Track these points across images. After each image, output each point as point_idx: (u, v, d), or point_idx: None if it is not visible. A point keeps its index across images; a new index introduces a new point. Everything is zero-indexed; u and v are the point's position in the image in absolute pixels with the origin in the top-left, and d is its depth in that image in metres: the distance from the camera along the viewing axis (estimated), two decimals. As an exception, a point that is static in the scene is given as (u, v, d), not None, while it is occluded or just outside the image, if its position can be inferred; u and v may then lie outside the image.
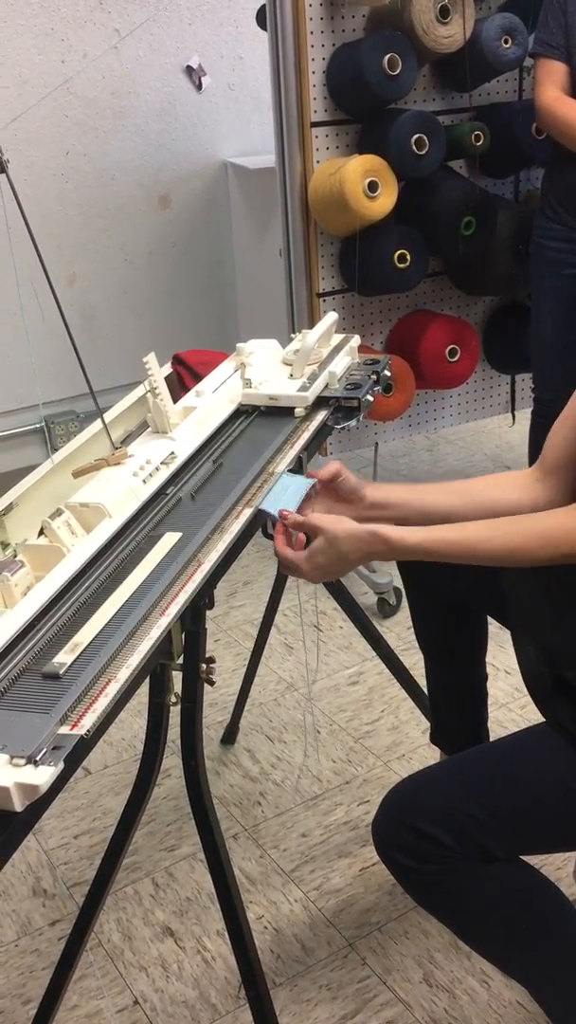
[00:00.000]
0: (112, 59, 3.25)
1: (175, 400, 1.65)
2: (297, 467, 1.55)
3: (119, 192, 3.40)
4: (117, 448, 1.50)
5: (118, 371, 2.67)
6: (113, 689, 1.05)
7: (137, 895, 1.85)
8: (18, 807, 0.92)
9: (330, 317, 1.84)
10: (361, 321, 2.71)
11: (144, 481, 1.42)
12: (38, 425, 3.44)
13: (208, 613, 1.30)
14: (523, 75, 2.66)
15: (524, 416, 2.92)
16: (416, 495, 1.44)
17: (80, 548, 1.27)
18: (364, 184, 2.34)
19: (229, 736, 2.21)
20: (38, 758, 0.94)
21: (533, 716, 2.16)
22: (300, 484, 1.45)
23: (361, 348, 1.93)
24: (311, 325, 2.49)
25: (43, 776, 0.92)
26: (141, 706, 1.41)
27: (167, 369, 1.86)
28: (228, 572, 1.35)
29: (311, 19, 2.36)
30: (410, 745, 2.16)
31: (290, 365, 1.78)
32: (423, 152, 2.40)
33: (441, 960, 1.67)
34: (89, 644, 1.11)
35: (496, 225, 2.59)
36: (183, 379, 1.86)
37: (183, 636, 1.27)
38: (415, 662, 2.00)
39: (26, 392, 3.34)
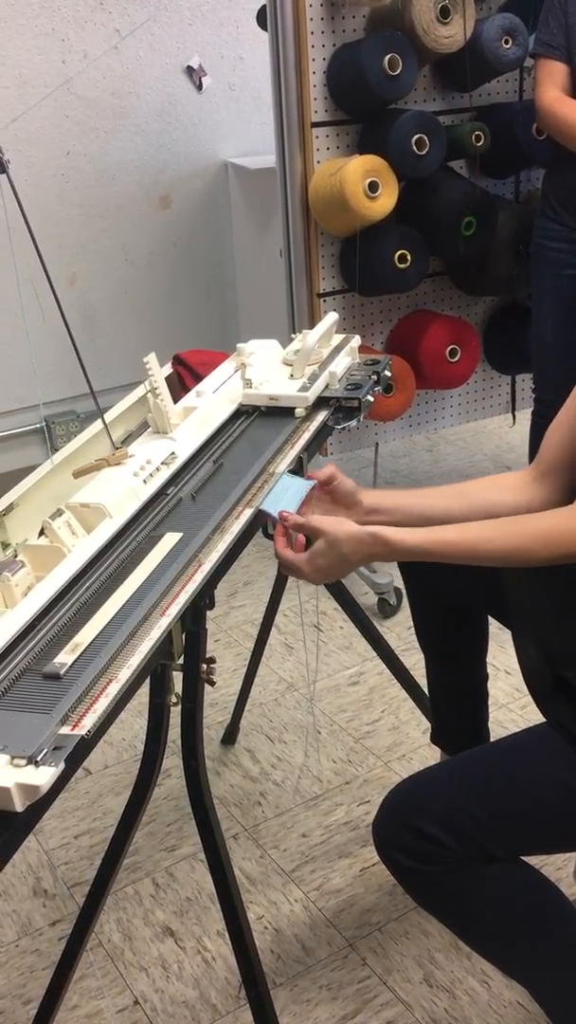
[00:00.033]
0: (112, 59, 3.25)
1: (175, 400, 1.65)
2: (298, 467, 1.55)
3: (120, 192, 3.40)
4: (117, 448, 1.50)
5: (118, 371, 2.67)
6: (114, 689, 1.05)
7: (137, 895, 1.85)
8: (19, 807, 0.92)
9: (330, 317, 1.84)
10: (361, 321, 2.71)
11: (144, 481, 1.42)
12: (38, 425, 3.44)
13: (208, 613, 1.30)
14: (523, 75, 2.66)
15: (524, 416, 2.92)
16: (412, 499, 1.44)
17: (81, 548, 1.27)
18: (364, 184, 2.34)
19: (229, 736, 2.21)
20: (39, 758, 0.94)
21: (533, 716, 2.16)
22: (300, 486, 1.45)
23: (361, 348, 1.93)
24: (311, 325, 2.49)
25: (44, 776, 0.92)
26: (142, 706, 1.41)
27: (167, 369, 1.86)
28: (228, 572, 1.35)
29: (311, 19, 2.36)
30: (410, 745, 2.16)
31: (290, 365, 1.78)
32: (423, 152, 2.40)
33: (441, 960, 1.68)
34: (90, 644, 1.11)
35: (496, 225, 2.59)
36: (183, 379, 1.86)
37: (184, 636, 1.27)
38: (415, 662, 2.00)
39: (26, 392, 3.34)
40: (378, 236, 2.46)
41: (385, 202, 2.39)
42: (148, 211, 3.48)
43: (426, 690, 1.83)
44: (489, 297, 2.88)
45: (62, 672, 1.07)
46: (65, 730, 0.99)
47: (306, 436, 1.62)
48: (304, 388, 1.69)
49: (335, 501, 1.46)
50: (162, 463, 1.48)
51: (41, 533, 1.32)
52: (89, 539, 1.29)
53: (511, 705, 2.24)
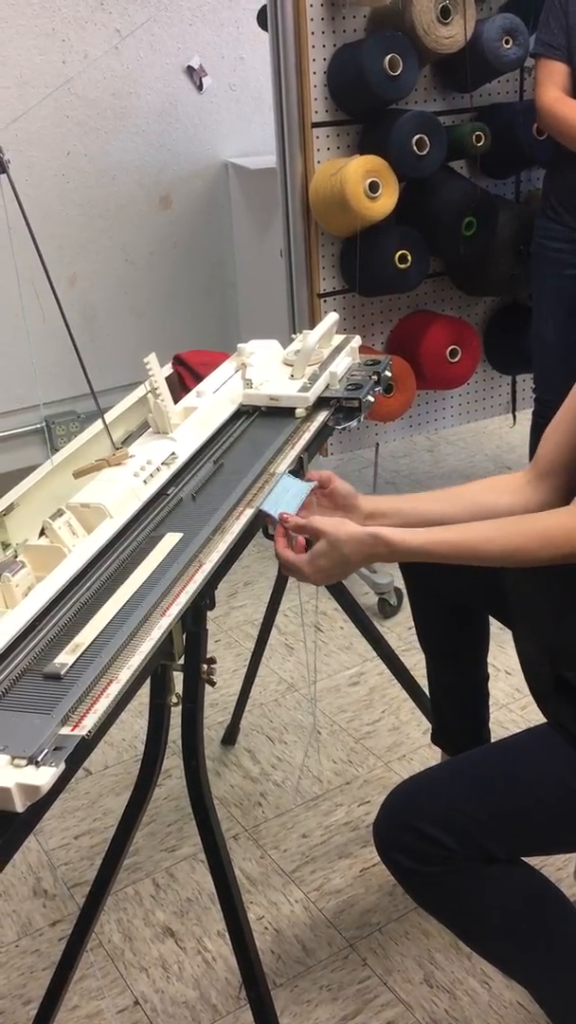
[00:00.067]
0: (113, 59, 3.25)
1: (176, 400, 1.65)
2: (298, 467, 1.55)
3: (120, 192, 3.40)
4: (118, 448, 1.50)
5: (119, 371, 2.67)
6: (114, 690, 1.05)
7: (138, 895, 1.85)
8: (19, 808, 0.92)
9: (331, 317, 1.84)
10: (362, 322, 2.71)
11: (145, 482, 1.42)
12: (39, 425, 3.44)
13: (209, 614, 1.30)
14: (524, 75, 2.66)
15: (525, 417, 2.92)
16: (409, 504, 1.44)
17: (81, 548, 1.27)
18: (365, 184, 2.34)
19: (230, 737, 2.21)
20: (39, 759, 0.94)
21: (534, 717, 2.16)
22: (300, 488, 1.45)
23: (362, 349, 1.93)
24: (312, 325, 2.49)
25: (44, 777, 0.92)
26: (142, 707, 1.41)
27: (168, 369, 1.86)
28: (229, 573, 1.35)
29: (312, 19, 2.36)
30: (411, 746, 2.16)
31: (291, 366, 1.78)
32: (424, 152, 2.40)
33: (442, 961, 1.67)
34: (90, 645, 1.11)
35: (497, 226, 2.59)
36: (184, 379, 1.86)
37: (184, 637, 1.27)
38: (416, 663, 2.00)
39: (27, 392, 3.34)
40: (378, 236, 2.46)
41: (385, 202, 2.39)
42: (148, 211, 3.48)
43: (427, 690, 1.82)
44: (490, 297, 2.88)
45: (63, 672, 1.07)
46: (66, 730, 0.99)
47: (306, 436, 1.62)
48: (304, 388, 1.69)
49: (334, 506, 1.46)
50: (162, 463, 1.48)
51: (41, 533, 1.32)
52: (89, 539, 1.29)
53: (511, 705, 2.24)
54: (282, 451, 1.57)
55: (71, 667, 1.08)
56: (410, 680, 1.98)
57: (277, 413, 1.69)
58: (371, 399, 1.74)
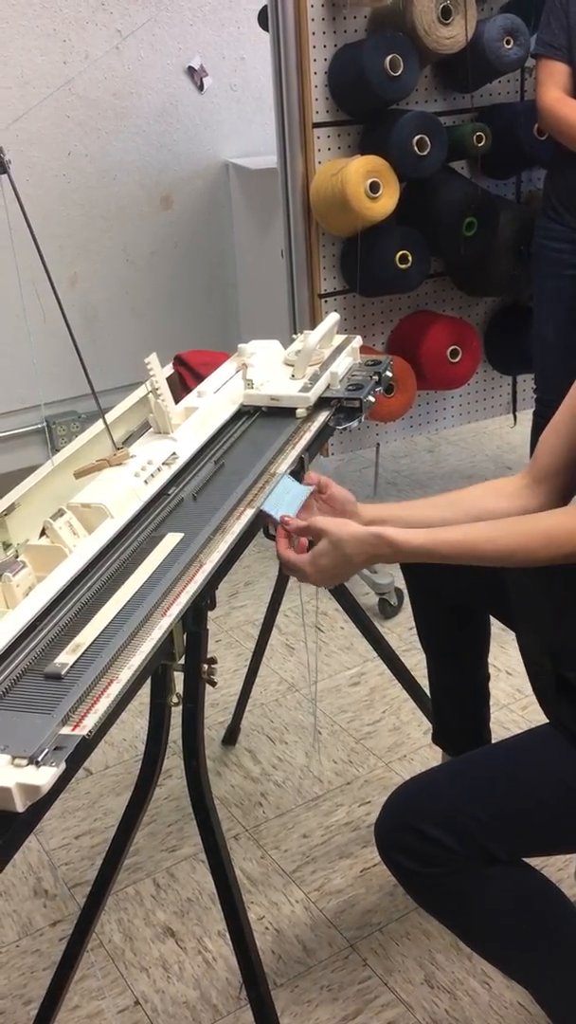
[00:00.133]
0: (114, 60, 3.25)
1: (177, 401, 1.65)
2: (299, 468, 1.55)
3: (121, 193, 3.40)
4: (119, 449, 1.50)
5: (119, 372, 2.67)
6: (115, 690, 1.05)
7: (138, 896, 1.85)
8: (20, 808, 0.92)
9: (332, 318, 1.84)
10: (362, 322, 2.71)
11: (146, 482, 1.42)
12: (39, 425, 3.44)
13: (209, 614, 1.30)
14: (525, 76, 2.66)
15: (526, 417, 2.92)
16: (408, 511, 1.44)
17: (82, 548, 1.27)
18: (366, 185, 2.34)
19: (230, 737, 2.21)
20: (40, 759, 0.94)
21: (534, 717, 2.16)
22: (300, 490, 1.45)
23: (362, 349, 1.93)
24: (312, 326, 2.49)
25: (45, 777, 0.92)
26: (142, 707, 1.41)
27: (168, 370, 1.86)
28: (229, 573, 1.35)
29: (313, 20, 2.36)
30: (412, 746, 2.16)
31: (292, 366, 1.78)
32: (425, 153, 2.40)
33: (442, 961, 1.67)
34: (91, 644, 1.11)
35: (498, 226, 2.59)
36: (185, 380, 1.86)
37: (185, 637, 1.27)
38: (416, 663, 2.00)
39: (28, 392, 3.34)
40: (379, 237, 2.46)
41: (386, 203, 2.39)
42: (149, 211, 3.48)
43: (427, 691, 1.82)
44: (490, 298, 2.88)
45: (63, 672, 1.07)
46: (66, 730, 0.99)
47: (307, 437, 1.62)
48: (305, 389, 1.69)
49: (333, 512, 1.46)
50: (163, 463, 1.48)
51: (42, 533, 1.32)
52: (90, 539, 1.30)
53: (512, 706, 2.24)
54: (283, 451, 1.57)
55: (72, 667, 1.08)
56: (411, 680, 1.98)
57: (278, 413, 1.69)
58: (372, 399, 1.74)
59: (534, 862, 1.30)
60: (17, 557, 1.28)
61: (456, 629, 1.68)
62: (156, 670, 1.31)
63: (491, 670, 1.75)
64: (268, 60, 2.45)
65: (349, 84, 2.39)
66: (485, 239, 2.58)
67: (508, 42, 2.45)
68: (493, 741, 1.74)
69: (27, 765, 0.93)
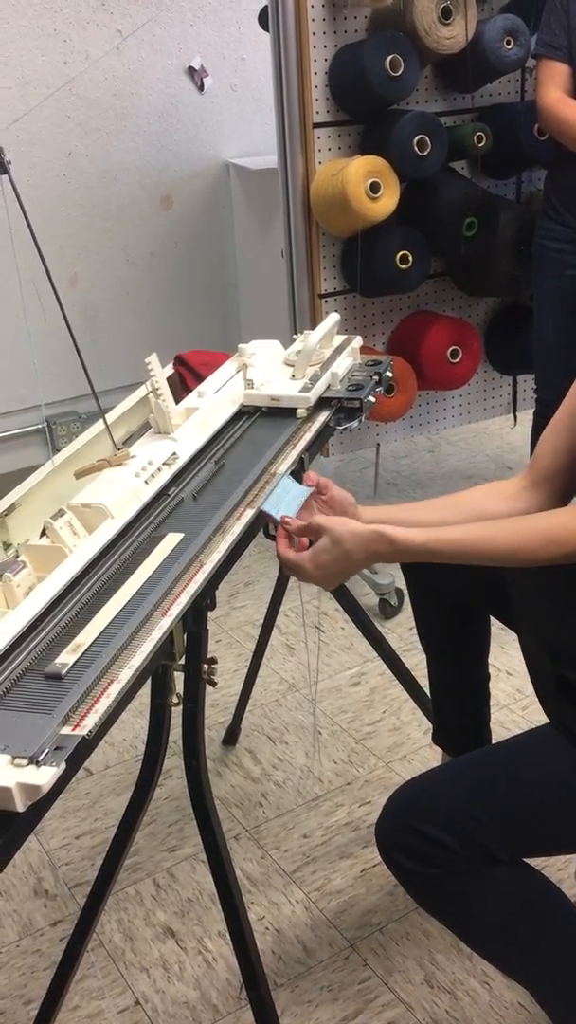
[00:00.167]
0: (114, 60, 3.25)
1: (177, 401, 1.65)
2: (299, 468, 1.55)
3: (121, 193, 3.40)
4: (119, 449, 1.50)
5: (120, 372, 2.67)
6: (115, 690, 1.05)
7: (138, 896, 1.85)
8: (20, 807, 0.92)
9: (332, 318, 1.84)
10: (363, 322, 2.71)
11: (146, 482, 1.42)
12: (40, 426, 3.44)
13: (210, 614, 1.30)
14: (525, 76, 2.66)
15: (526, 417, 2.92)
16: (408, 513, 1.44)
17: (82, 549, 1.27)
18: (366, 185, 2.34)
19: (231, 737, 2.21)
20: (40, 758, 0.94)
21: (535, 717, 2.16)
22: (300, 490, 1.45)
23: (363, 349, 1.93)
24: (313, 326, 2.49)
25: (45, 776, 0.92)
26: (143, 707, 1.41)
27: (169, 370, 1.86)
28: (230, 573, 1.35)
29: (313, 20, 2.36)
30: (412, 746, 2.16)
31: (292, 366, 1.78)
32: (425, 153, 2.40)
33: (443, 961, 1.67)
34: (91, 645, 1.11)
35: (498, 226, 2.59)
36: (185, 380, 1.86)
37: (185, 637, 1.27)
38: (417, 663, 2.00)
39: (28, 393, 3.34)
40: (379, 237, 2.46)
41: (387, 203, 2.39)
42: (150, 212, 3.48)
43: (427, 691, 1.82)
44: (490, 298, 2.88)
45: (63, 672, 1.07)
46: (66, 730, 0.99)
47: (307, 437, 1.62)
48: (305, 389, 1.69)
49: (335, 513, 1.45)
50: (163, 463, 1.48)
51: (43, 533, 1.32)
52: (90, 539, 1.30)
53: (512, 706, 2.24)
54: (283, 451, 1.57)
55: (72, 667, 1.08)
56: (411, 680, 1.98)
57: (278, 413, 1.69)
58: (372, 399, 1.74)
59: (534, 862, 1.30)
60: (17, 557, 1.28)
61: (456, 629, 1.68)
62: (156, 670, 1.31)
63: (491, 670, 1.75)
64: (268, 60, 2.45)
65: (349, 84, 2.39)
66: (485, 239, 2.58)
67: (508, 42, 2.45)
68: (493, 741, 1.74)
69: (27, 765, 0.93)
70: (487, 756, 1.35)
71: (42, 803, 0.93)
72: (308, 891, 1.83)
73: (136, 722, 2.27)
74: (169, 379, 1.75)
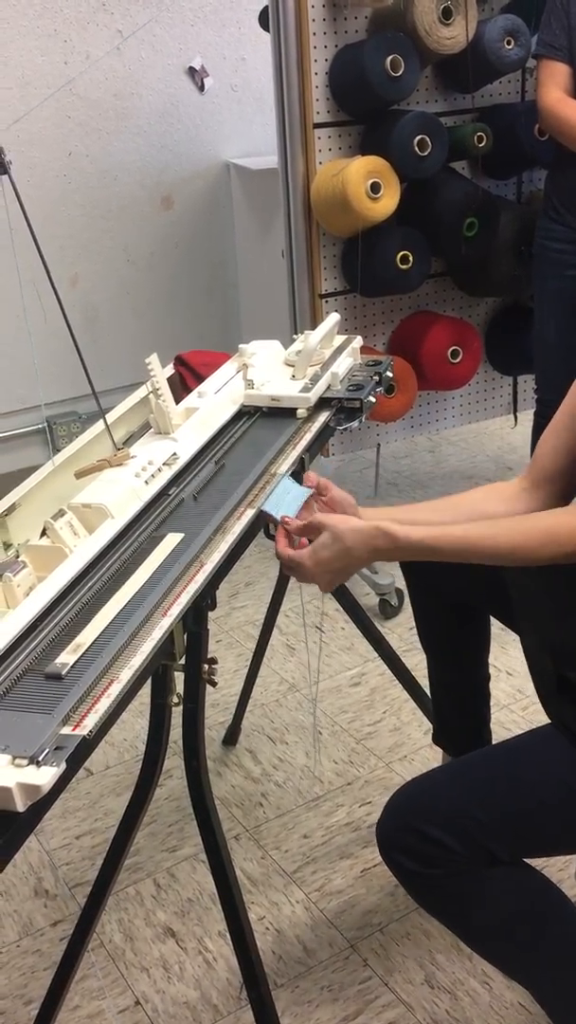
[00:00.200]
0: (115, 60, 3.25)
1: (177, 401, 1.65)
2: (300, 468, 1.55)
3: (122, 193, 3.41)
4: (119, 449, 1.50)
5: (120, 372, 2.67)
6: (115, 690, 1.05)
7: (139, 896, 1.85)
8: (20, 807, 0.92)
9: (332, 318, 1.84)
10: (363, 322, 2.71)
11: (146, 482, 1.42)
12: (40, 426, 3.44)
13: (210, 614, 1.30)
14: (526, 76, 2.66)
15: (526, 417, 2.92)
16: (408, 515, 1.44)
17: (82, 549, 1.27)
18: (366, 185, 2.34)
19: (231, 737, 2.21)
20: (40, 758, 0.94)
21: (535, 718, 2.16)
22: (300, 491, 1.45)
23: (363, 349, 1.93)
24: (313, 326, 2.49)
25: (45, 776, 0.92)
26: (143, 707, 1.41)
27: (169, 370, 1.86)
28: (230, 573, 1.35)
29: (314, 20, 2.36)
30: (412, 746, 2.16)
31: (292, 366, 1.78)
32: (425, 153, 2.40)
33: (443, 961, 1.67)
34: (91, 644, 1.11)
35: (498, 226, 2.59)
36: (185, 380, 1.86)
37: (185, 637, 1.27)
38: (417, 663, 2.00)
39: (28, 393, 3.34)
40: (380, 237, 2.46)
41: (387, 203, 2.39)
42: (150, 212, 3.48)
43: (427, 691, 1.82)
44: (491, 298, 2.88)
45: (64, 672, 1.07)
46: (67, 730, 0.99)
47: (308, 437, 1.62)
48: (306, 389, 1.69)
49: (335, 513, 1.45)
50: (164, 464, 1.48)
51: (43, 533, 1.32)
52: (91, 539, 1.30)
53: (512, 706, 2.24)
54: (283, 452, 1.57)
55: (72, 667, 1.08)
56: (411, 680, 1.98)
57: (278, 414, 1.69)
58: (372, 400, 1.74)
59: (534, 863, 1.30)
60: (18, 557, 1.28)
61: (456, 629, 1.68)
62: (157, 670, 1.31)
63: (491, 670, 1.75)
64: (269, 60, 2.45)
65: (350, 84, 2.39)
66: (486, 239, 2.58)
67: (509, 42, 2.45)
68: (494, 741, 1.74)
69: (28, 765, 0.93)
70: (488, 756, 1.35)
71: (42, 803, 0.93)
72: (308, 891, 1.83)
73: (136, 722, 2.27)
74: (169, 379, 1.75)
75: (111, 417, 1.58)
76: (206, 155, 3.53)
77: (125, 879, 1.88)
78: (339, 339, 1.89)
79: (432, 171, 2.46)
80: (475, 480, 3.32)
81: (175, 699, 1.35)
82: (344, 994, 1.63)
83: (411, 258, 2.49)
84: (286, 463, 1.53)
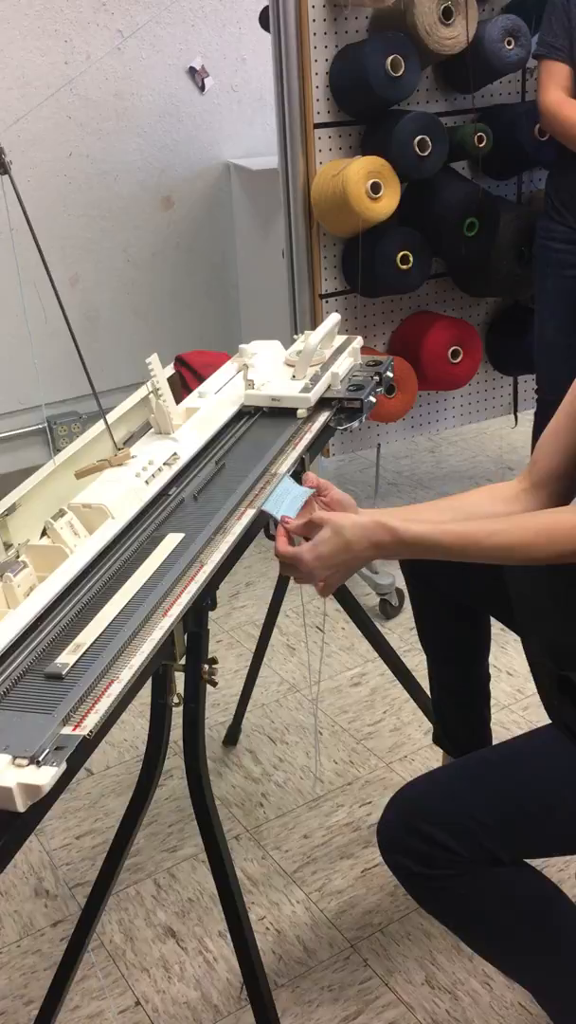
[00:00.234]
0: (115, 60, 3.25)
1: (178, 401, 1.65)
2: (300, 468, 1.55)
3: (122, 193, 3.41)
4: (120, 449, 1.50)
5: (121, 372, 2.67)
6: (115, 690, 1.05)
7: (139, 896, 1.85)
8: (21, 807, 0.92)
9: (333, 318, 1.84)
10: (364, 322, 2.71)
11: (147, 482, 1.42)
12: (41, 426, 3.44)
13: (210, 614, 1.30)
14: (526, 76, 2.66)
15: (527, 418, 2.92)
16: (408, 515, 1.44)
17: (83, 549, 1.27)
18: (367, 185, 2.34)
19: (231, 737, 2.21)
20: (41, 758, 0.94)
21: (535, 718, 2.16)
22: (300, 491, 1.45)
23: (364, 349, 1.93)
24: (314, 326, 2.50)
25: (45, 776, 0.92)
26: (143, 707, 1.42)
27: (170, 370, 1.86)
28: (230, 573, 1.35)
29: (314, 20, 2.36)
30: (412, 746, 2.16)
31: (293, 366, 1.78)
32: (426, 153, 2.40)
33: (443, 962, 1.67)
34: (92, 645, 1.11)
35: (499, 226, 2.59)
36: (186, 380, 1.86)
37: (185, 637, 1.27)
38: (417, 663, 2.00)
39: (29, 393, 3.34)
40: (380, 237, 2.46)
41: (387, 203, 2.39)
42: (150, 212, 3.48)
43: (428, 691, 1.82)
44: (491, 298, 2.88)
45: (64, 672, 1.07)
46: (67, 730, 0.99)
47: (308, 437, 1.62)
48: (306, 389, 1.69)
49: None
50: (164, 464, 1.48)
51: (43, 534, 1.32)
52: (91, 540, 1.30)
53: (513, 706, 2.24)
54: (284, 452, 1.57)
55: (72, 667, 1.08)
56: (411, 681, 1.98)
57: (279, 414, 1.69)
58: (373, 400, 1.74)
59: (535, 863, 1.30)
60: (18, 557, 1.28)
61: (456, 629, 1.68)
62: (157, 670, 1.31)
63: (492, 670, 1.75)
64: (269, 61, 2.45)
65: (350, 85, 2.39)
66: (486, 240, 2.58)
67: (509, 43, 2.45)
68: (494, 742, 1.74)
69: (28, 765, 0.93)
70: (489, 757, 1.35)
71: (43, 803, 0.93)
72: (309, 891, 1.83)
73: (137, 722, 2.27)
74: (170, 379, 1.75)
75: (111, 417, 1.58)
76: (206, 155, 3.53)
77: (125, 879, 1.88)
78: (339, 339, 1.89)
79: (432, 171, 2.46)
80: (476, 480, 3.32)
81: (175, 699, 1.35)
82: (344, 994, 1.63)
83: (411, 258, 2.49)
84: (286, 463, 1.53)
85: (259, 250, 3.51)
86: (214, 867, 1.36)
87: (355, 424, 1.72)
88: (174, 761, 2.06)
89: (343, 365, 1.78)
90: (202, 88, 3.44)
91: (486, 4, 2.53)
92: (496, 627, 1.66)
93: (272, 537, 1.39)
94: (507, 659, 2.35)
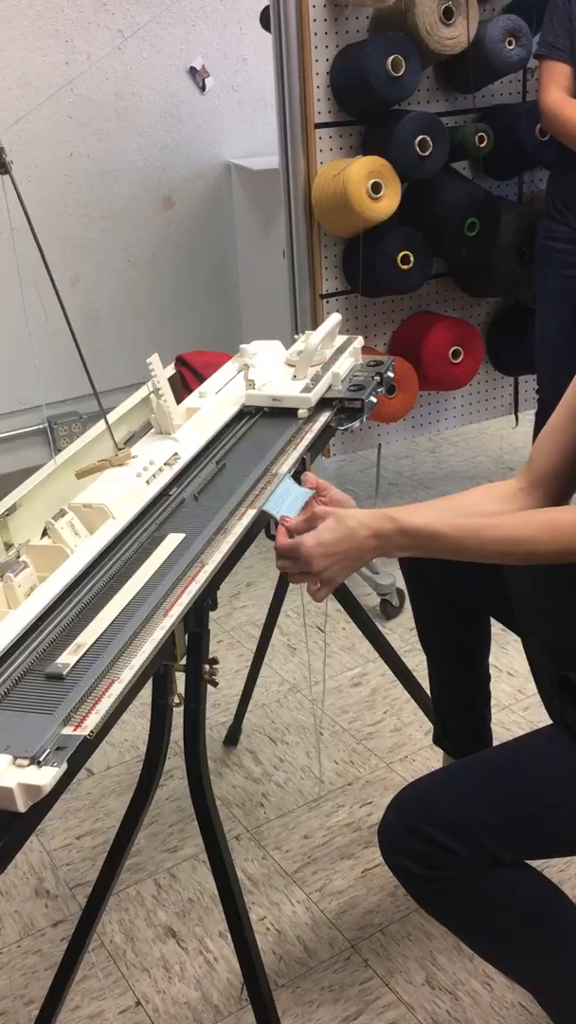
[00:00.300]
0: (116, 60, 3.25)
1: (178, 401, 1.65)
2: (301, 468, 1.55)
3: (123, 193, 3.41)
4: (120, 449, 1.50)
5: (121, 372, 2.67)
6: (116, 690, 1.05)
7: (140, 896, 1.85)
8: (21, 808, 0.92)
9: (333, 318, 1.84)
10: (364, 323, 2.71)
11: (147, 482, 1.42)
12: (41, 426, 3.44)
13: (211, 614, 1.30)
14: (527, 76, 2.66)
15: (528, 418, 2.92)
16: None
17: (83, 549, 1.27)
18: (368, 185, 2.34)
19: (232, 737, 2.21)
20: (41, 759, 0.94)
21: (536, 718, 2.17)
22: (301, 492, 1.45)
23: (364, 350, 1.93)
24: (314, 326, 2.50)
25: (46, 777, 0.92)
26: (144, 707, 1.42)
27: (170, 370, 1.86)
28: (231, 573, 1.35)
29: (315, 20, 2.36)
30: (413, 747, 2.16)
31: (293, 366, 1.78)
32: (427, 153, 2.40)
33: (444, 962, 1.67)
34: (92, 645, 1.11)
35: (499, 226, 2.59)
36: (186, 380, 1.86)
37: (186, 637, 1.27)
38: (418, 663, 2.00)
39: (29, 393, 3.34)
40: (381, 237, 2.46)
41: (388, 203, 2.39)
42: (151, 212, 3.48)
43: (428, 691, 1.82)
44: (492, 298, 2.88)
45: (65, 673, 1.07)
46: (68, 731, 0.99)
47: (309, 437, 1.62)
48: (307, 389, 1.69)
49: None
50: (165, 464, 1.48)
51: (44, 534, 1.32)
52: (92, 540, 1.30)
53: (513, 707, 2.24)
54: (284, 452, 1.57)
55: (73, 667, 1.08)
56: (412, 681, 1.98)
57: (279, 414, 1.69)
58: (374, 400, 1.74)
59: (535, 864, 1.30)
60: (19, 557, 1.28)
61: (456, 629, 1.68)
62: (158, 670, 1.31)
63: (492, 671, 1.75)
64: (270, 60, 2.45)
65: (351, 85, 2.39)
66: (487, 240, 2.58)
67: (510, 43, 2.45)
68: (495, 742, 1.74)
69: (29, 765, 0.93)
70: (490, 758, 1.35)
71: (43, 803, 0.93)
72: (309, 891, 1.83)
73: (137, 722, 2.27)
74: (170, 379, 1.75)
75: (112, 417, 1.58)
76: (207, 155, 3.53)
77: (126, 879, 1.88)
78: (340, 339, 1.89)
79: (433, 171, 2.46)
80: (476, 480, 3.32)
81: (176, 699, 1.35)
82: (345, 994, 1.63)
83: (412, 258, 2.49)
84: (287, 463, 1.53)
85: (260, 250, 3.51)
86: (215, 867, 1.36)
87: (356, 424, 1.72)
88: (175, 761, 2.06)
89: (344, 365, 1.78)
90: (203, 88, 3.44)
91: (487, 4, 2.53)
92: (496, 627, 1.66)
93: (273, 537, 1.39)
94: (507, 659, 2.35)
